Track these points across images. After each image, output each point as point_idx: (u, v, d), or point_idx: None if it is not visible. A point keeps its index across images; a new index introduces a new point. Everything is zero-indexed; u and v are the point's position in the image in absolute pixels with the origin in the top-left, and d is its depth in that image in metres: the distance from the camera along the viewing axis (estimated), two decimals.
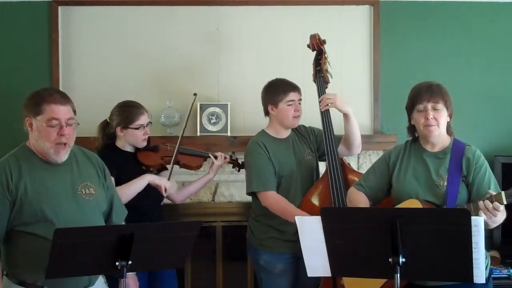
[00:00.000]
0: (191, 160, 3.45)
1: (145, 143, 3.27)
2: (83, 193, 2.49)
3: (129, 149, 3.27)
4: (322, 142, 3.27)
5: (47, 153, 2.43)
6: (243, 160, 3.47)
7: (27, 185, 2.39)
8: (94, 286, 2.51)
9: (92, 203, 2.51)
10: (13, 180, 2.38)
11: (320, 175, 3.29)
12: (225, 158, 3.45)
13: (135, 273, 2.78)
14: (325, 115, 3.24)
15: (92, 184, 2.54)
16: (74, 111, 2.49)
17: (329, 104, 3.18)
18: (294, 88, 3.24)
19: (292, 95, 3.21)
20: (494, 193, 2.40)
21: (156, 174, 3.35)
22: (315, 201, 3.14)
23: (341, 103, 3.19)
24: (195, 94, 3.53)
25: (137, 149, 3.29)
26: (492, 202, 2.36)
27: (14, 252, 2.42)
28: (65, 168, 2.50)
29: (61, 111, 2.41)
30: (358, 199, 2.76)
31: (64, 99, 2.46)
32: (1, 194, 2.36)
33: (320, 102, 3.22)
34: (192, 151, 3.47)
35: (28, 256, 2.37)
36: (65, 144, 2.43)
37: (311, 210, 3.04)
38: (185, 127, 3.43)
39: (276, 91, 3.24)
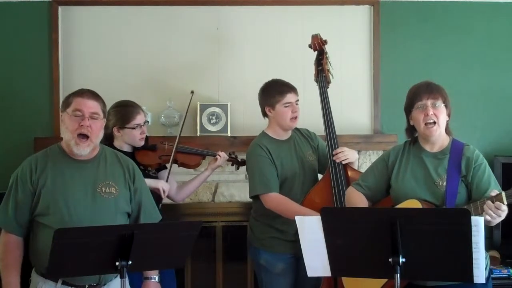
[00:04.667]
0: (189, 158, 3.45)
1: (142, 142, 3.27)
2: (103, 191, 2.54)
3: (126, 149, 3.26)
4: (323, 155, 3.29)
5: (70, 145, 2.52)
6: (242, 157, 3.47)
7: (48, 178, 2.50)
8: (113, 282, 2.55)
9: (110, 202, 2.54)
10: (37, 172, 2.51)
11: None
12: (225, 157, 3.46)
13: (158, 280, 2.79)
14: (327, 115, 3.25)
15: (115, 184, 2.58)
16: (104, 112, 2.58)
17: (346, 159, 3.16)
18: (290, 89, 3.23)
19: (289, 97, 3.20)
20: (494, 194, 2.39)
21: (155, 173, 3.35)
22: (317, 199, 3.14)
23: (353, 155, 3.21)
24: (192, 92, 3.50)
25: (135, 149, 3.28)
26: (493, 202, 2.36)
27: (34, 243, 2.52)
28: (91, 166, 2.57)
29: (86, 104, 2.51)
30: (356, 199, 2.76)
31: (92, 95, 2.57)
32: (23, 184, 2.50)
33: (333, 156, 3.17)
34: (191, 150, 3.47)
35: (42, 247, 2.42)
36: (87, 137, 2.49)
37: (313, 209, 3.04)
38: (183, 125, 3.42)
39: (273, 92, 3.22)
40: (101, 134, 2.58)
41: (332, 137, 3.22)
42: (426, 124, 2.57)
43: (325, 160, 3.26)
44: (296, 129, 3.36)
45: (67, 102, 2.54)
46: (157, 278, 2.77)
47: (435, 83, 2.64)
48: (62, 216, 2.45)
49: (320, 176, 3.31)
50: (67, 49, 4.07)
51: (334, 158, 3.15)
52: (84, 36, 4.08)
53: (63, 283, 2.46)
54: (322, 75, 3.34)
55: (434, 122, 2.56)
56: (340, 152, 3.15)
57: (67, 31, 4.07)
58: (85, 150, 2.52)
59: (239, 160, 3.53)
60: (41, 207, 2.48)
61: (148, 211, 2.71)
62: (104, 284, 2.54)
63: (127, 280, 2.41)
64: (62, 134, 2.57)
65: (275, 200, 3.13)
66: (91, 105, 2.52)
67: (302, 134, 3.37)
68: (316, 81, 3.38)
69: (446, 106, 2.59)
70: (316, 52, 3.41)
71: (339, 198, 3.09)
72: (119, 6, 4.08)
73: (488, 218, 2.35)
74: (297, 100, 3.24)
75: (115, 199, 2.56)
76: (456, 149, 2.61)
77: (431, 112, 2.55)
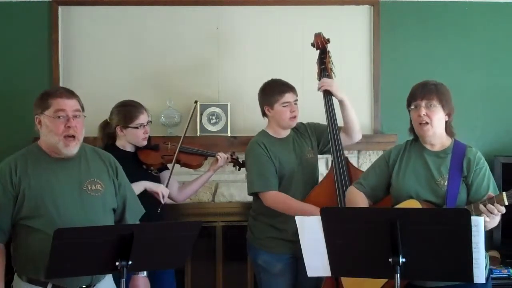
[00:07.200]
0: (192, 159, 3.45)
1: (145, 142, 3.28)
2: (89, 189, 2.51)
3: (129, 148, 3.27)
4: (321, 133, 3.32)
5: (57, 147, 2.46)
6: (243, 158, 3.47)
7: (31, 179, 2.43)
8: (101, 283, 2.53)
9: (98, 199, 2.52)
10: (18, 174, 2.43)
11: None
12: (226, 158, 3.46)
13: (145, 275, 2.79)
14: (330, 114, 3.25)
15: (100, 181, 2.54)
16: (82, 107, 2.54)
17: (327, 87, 3.26)
18: (289, 88, 3.24)
19: (288, 96, 3.21)
20: (495, 195, 2.40)
21: (157, 173, 3.35)
22: (321, 198, 3.13)
23: (337, 89, 3.27)
24: (196, 102, 3.49)
25: (137, 148, 3.29)
26: (493, 203, 2.36)
27: (20, 247, 2.45)
28: (73, 164, 2.52)
29: (67, 103, 2.46)
30: (357, 199, 2.76)
31: (70, 93, 2.52)
32: (4, 187, 2.42)
33: (318, 85, 3.29)
34: (193, 150, 3.47)
35: (31, 250, 2.39)
36: (74, 137, 2.46)
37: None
38: (188, 127, 3.40)
39: (272, 92, 3.23)
40: (84, 130, 2.54)
41: (335, 135, 3.22)
42: (419, 124, 2.59)
43: (321, 135, 3.32)
44: (293, 127, 3.36)
45: (46, 104, 2.46)
46: (145, 273, 2.77)
47: (434, 83, 2.64)
48: (52, 218, 2.39)
49: (320, 176, 3.31)
50: (67, 49, 4.07)
51: (318, 86, 3.27)
52: (84, 36, 4.08)
53: (53, 287, 2.42)
54: (325, 73, 3.36)
55: (427, 123, 2.57)
56: (321, 86, 3.28)
57: (67, 31, 4.07)
58: (74, 150, 2.48)
59: (240, 162, 3.53)
60: (27, 209, 2.40)
61: (133, 206, 2.69)
62: (94, 286, 2.50)
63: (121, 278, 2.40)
64: (43, 136, 2.49)
65: (274, 197, 3.14)
66: (72, 104, 2.48)
67: (300, 132, 3.37)
68: (319, 80, 3.38)
69: (443, 106, 2.59)
70: (318, 50, 3.42)
71: (343, 196, 3.08)
72: (119, 6, 4.08)
73: (486, 219, 2.34)
74: (296, 100, 3.25)
75: (102, 196, 2.53)
76: (458, 150, 2.62)
77: (423, 112, 2.57)
